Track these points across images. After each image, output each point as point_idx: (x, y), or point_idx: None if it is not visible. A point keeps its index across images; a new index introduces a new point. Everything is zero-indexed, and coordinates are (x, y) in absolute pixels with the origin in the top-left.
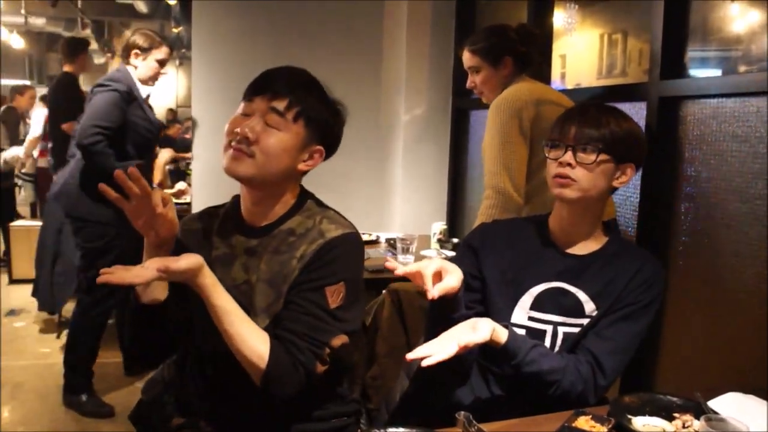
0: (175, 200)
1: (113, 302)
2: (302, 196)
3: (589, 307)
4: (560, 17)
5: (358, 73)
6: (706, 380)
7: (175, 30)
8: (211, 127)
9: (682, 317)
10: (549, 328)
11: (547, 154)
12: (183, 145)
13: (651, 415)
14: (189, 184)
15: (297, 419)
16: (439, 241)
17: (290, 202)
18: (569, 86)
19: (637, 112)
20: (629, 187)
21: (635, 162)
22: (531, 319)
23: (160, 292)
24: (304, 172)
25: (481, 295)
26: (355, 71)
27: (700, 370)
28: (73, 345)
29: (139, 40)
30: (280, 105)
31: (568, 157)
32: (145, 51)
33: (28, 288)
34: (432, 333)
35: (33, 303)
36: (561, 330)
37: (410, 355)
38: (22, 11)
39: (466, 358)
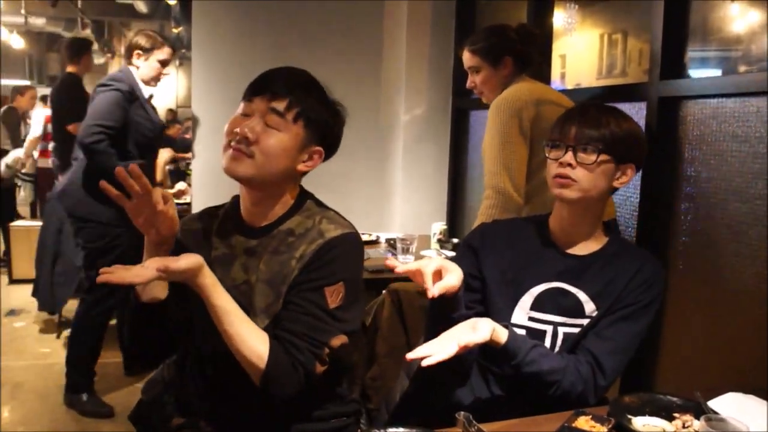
0: (175, 200)
1: (115, 301)
2: (302, 196)
3: (589, 307)
4: (560, 17)
5: (358, 73)
6: (706, 380)
7: (175, 30)
8: (211, 127)
9: (682, 317)
10: (549, 329)
11: (547, 155)
12: (183, 145)
13: (651, 415)
14: (189, 184)
15: (296, 419)
16: (439, 241)
17: (290, 202)
18: (569, 86)
19: (636, 112)
20: (629, 187)
21: (635, 162)
22: (531, 319)
23: (160, 291)
24: (304, 173)
25: (481, 295)
26: (355, 71)
27: (700, 370)
28: (75, 344)
29: (141, 40)
30: (280, 105)
31: (569, 157)
32: (147, 51)
33: (28, 288)
34: (432, 332)
35: (33, 303)
36: (561, 330)
37: (410, 355)
38: (22, 11)
39: (466, 358)
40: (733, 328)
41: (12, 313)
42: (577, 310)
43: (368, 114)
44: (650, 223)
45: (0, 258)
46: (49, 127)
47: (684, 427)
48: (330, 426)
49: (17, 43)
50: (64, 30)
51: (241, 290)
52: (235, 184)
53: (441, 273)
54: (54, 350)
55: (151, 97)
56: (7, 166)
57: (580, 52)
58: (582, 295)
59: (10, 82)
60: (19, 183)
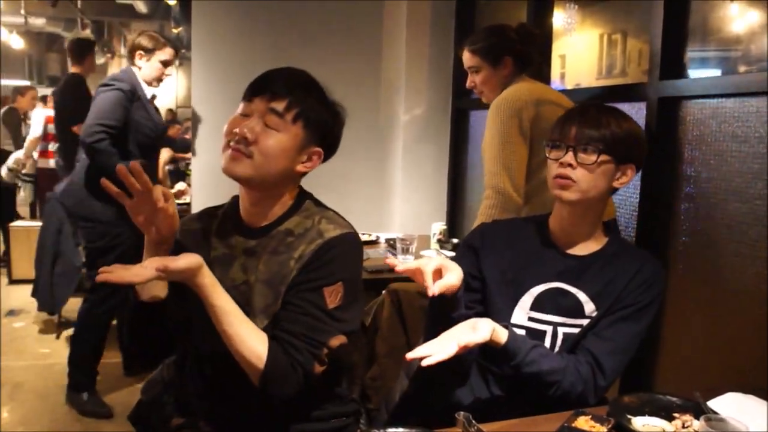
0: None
1: (117, 301)
2: (301, 196)
3: (589, 307)
4: (560, 17)
5: (358, 74)
6: (706, 380)
7: (174, 30)
8: (210, 127)
9: (682, 317)
10: (549, 329)
11: (547, 155)
12: (182, 146)
13: (650, 415)
14: (188, 185)
15: (296, 419)
16: (439, 241)
17: (289, 202)
18: (569, 86)
19: (636, 112)
20: (629, 187)
21: (636, 163)
22: (531, 319)
23: (159, 290)
24: (303, 173)
25: (481, 296)
26: (354, 71)
27: (700, 370)
28: (78, 343)
29: (144, 41)
30: (279, 106)
31: (569, 157)
32: (149, 52)
33: (28, 288)
34: (432, 332)
35: (33, 303)
36: (561, 330)
37: (410, 355)
38: (22, 11)
39: (465, 358)
40: (732, 328)
41: (12, 313)
42: (577, 311)
43: (368, 114)
44: (650, 223)
45: (0, 258)
46: (49, 127)
47: (684, 427)
48: (330, 426)
49: (17, 43)
50: (63, 30)
51: (240, 290)
52: (235, 184)
53: (441, 272)
54: (54, 350)
55: (153, 97)
56: (9, 169)
57: (579, 53)
58: (582, 296)
59: (9, 82)
60: (19, 183)
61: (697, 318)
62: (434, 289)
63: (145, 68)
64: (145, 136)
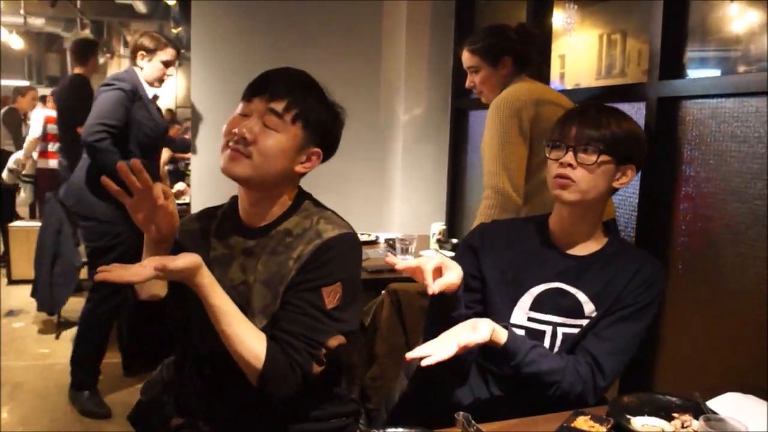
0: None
1: (118, 300)
2: (300, 196)
3: (589, 307)
4: (559, 17)
5: (358, 74)
6: (706, 380)
7: (174, 30)
8: (210, 127)
9: (682, 317)
10: (548, 329)
11: (547, 155)
12: (182, 146)
13: (650, 415)
14: (188, 185)
15: (295, 419)
16: (439, 241)
17: (288, 202)
18: (568, 86)
19: (636, 112)
20: (628, 187)
21: (636, 163)
22: (530, 319)
23: (159, 289)
24: (302, 174)
25: (481, 295)
26: (354, 71)
27: (700, 370)
28: (81, 342)
29: (146, 41)
30: (279, 106)
31: (569, 157)
32: (151, 52)
33: (27, 288)
34: (431, 332)
35: (32, 303)
36: (560, 331)
37: (410, 355)
38: (22, 11)
39: (465, 358)
40: (732, 328)
41: (11, 313)
42: (577, 311)
43: (367, 114)
44: (650, 223)
45: None
46: (49, 127)
47: (683, 427)
48: (329, 426)
49: (16, 43)
50: (63, 30)
51: (239, 291)
52: (234, 184)
53: (441, 270)
54: (53, 350)
55: (155, 97)
56: (10, 170)
57: (579, 53)
58: (581, 296)
59: (9, 82)
60: (19, 184)
61: (697, 318)
62: (434, 287)
63: (146, 68)
64: (145, 135)
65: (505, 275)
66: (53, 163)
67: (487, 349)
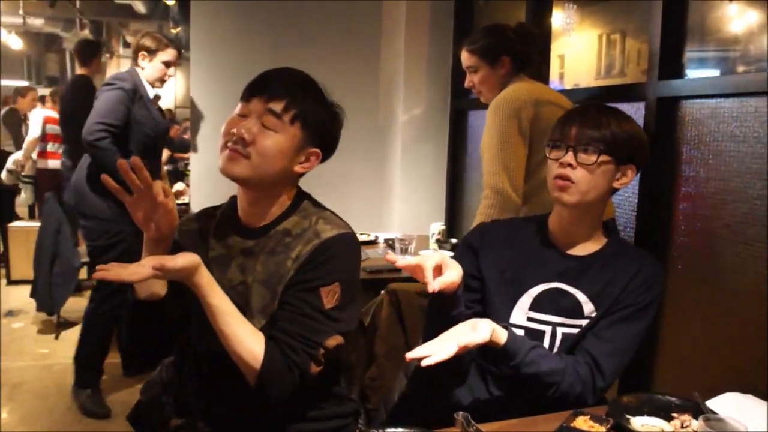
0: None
1: (120, 299)
2: (298, 196)
3: (588, 308)
4: (559, 17)
5: (357, 73)
6: (705, 380)
7: (173, 30)
8: (209, 127)
9: (682, 317)
10: (548, 329)
11: (548, 155)
12: (181, 146)
13: (649, 415)
14: (187, 185)
15: (294, 419)
16: (438, 241)
17: (286, 203)
18: (568, 86)
19: (635, 112)
20: (628, 187)
21: (636, 163)
22: (530, 319)
23: (160, 288)
24: (301, 174)
25: (480, 295)
26: (353, 71)
27: (699, 370)
28: (84, 341)
29: (147, 41)
30: (277, 107)
31: (569, 157)
32: (152, 53)
33: (27, 289)
34: (431, 331)
35: (31, 304)
36: (560, 331)
37: (410, 355)
38: (21, 12)
39: (464, 358)
40: (732, 328)
41: (10, 314)
42: (576, 311)
43: (367, 114)
44: (649, 223)
45: None
46: (48, 127)
47: (682, 427)
48: (328, 426)
49: (15, 43)
50: (62, 31)
51: (237, 291)
52: (233, 184)
53: (441, 269)
54: (52, 351)
55: (157, 98)
56: (9, 171)
57: (578, 53)
58: (581, 296)
59: (8, 82)
60: (20, 185)
61: (696, 318)
62: (434, 285)
63: (147, 68)
64: (146, 135)
65: (504, 275)
66: (52, 163)
67: (487, 349)
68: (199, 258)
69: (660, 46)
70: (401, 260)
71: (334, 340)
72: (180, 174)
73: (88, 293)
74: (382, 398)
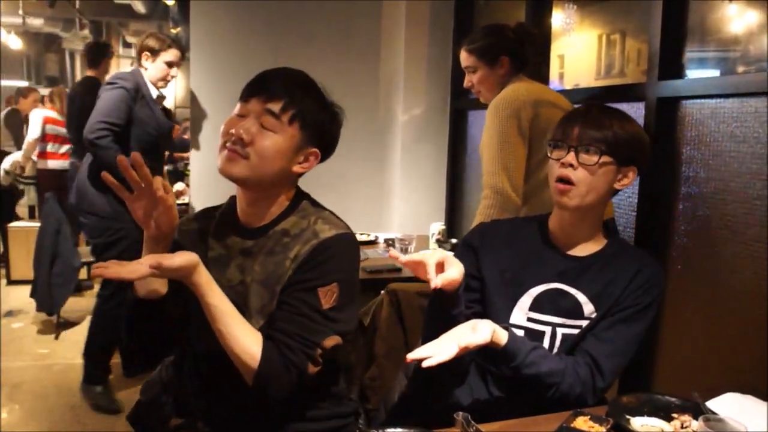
0: None
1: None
2: (297, 196)
3: (588, 308)
4: (558, 17)
5: (356, 74)
6: (705, 380)
7: (173, 30)
8: (209, 127)
9: (681, 318)
10: (548, 330)
11: (549, 155)
12: (181, 146)
13: (649, 415)
14: (187, 185)
15: (293, 419)
16: (438, 241)
17: (285, 203)
18: (567, 87)
19: (635, 112)
20: (628, 187)
21: (638, 165)
22: (530, 320)
23: (160, 285)
24: (300, 174)
25: (480, 295)
26: (353, 71)
27: (699, 370)
28: (92, 338)
29: (150, 42)
30: (276, 107)
31: (571, 157)
32: (155, 53)
33: (27, 289)
34: (431, 330)
35: (31, 304)
36: (560, 331)
37: (410, 356)
38: (20, 12)
39: (463, 358)
40: (732, 328)
41: (10, 314)
42: (576, 312)
43: (366, 114)
44: (649, 223)
45: None
46: (48, 128)
47: (682, 427)
48: (328, 426)
49: (15, 43)
50: (62, 31)
51: (236, 291)
52: (233, 184)
53: (443, 266)
54: (52, 351)
55: (161, 98)
56: (6, 172)
57: (578, 53)
58: (581, 297)
59: (8, 82)
60: (23, 186)
61: (696, 318)
62: (437, 281)
63: (150, 69)
64: (148, 134)
65: (504, 275)
66: (52, 163)
67: (487, 349)
68: (197, 257)
69: (660, 46)
70: (404, 256)
71: (332, 341)
72: (180, 174)
73: (88, 293)
74: (382, 398)
